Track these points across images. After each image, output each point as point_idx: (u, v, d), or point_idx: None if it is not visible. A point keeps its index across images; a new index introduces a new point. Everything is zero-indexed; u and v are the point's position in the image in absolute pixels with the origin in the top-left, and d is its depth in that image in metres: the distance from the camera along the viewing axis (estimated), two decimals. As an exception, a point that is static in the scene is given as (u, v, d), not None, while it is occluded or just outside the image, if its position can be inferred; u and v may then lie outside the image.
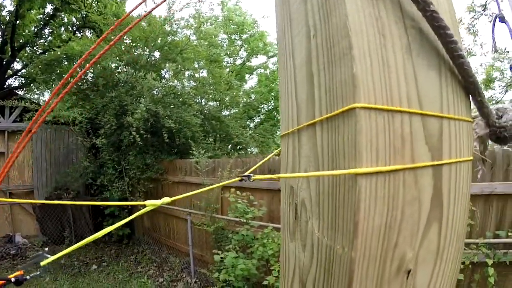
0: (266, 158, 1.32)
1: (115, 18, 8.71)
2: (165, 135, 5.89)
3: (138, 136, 5.65)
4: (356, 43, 0.44)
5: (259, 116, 12.20)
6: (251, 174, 0.61)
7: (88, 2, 12.44)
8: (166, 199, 0.59)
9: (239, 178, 0.62)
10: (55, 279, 5.69)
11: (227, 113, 8.42)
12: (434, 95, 0.49)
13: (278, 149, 0.70)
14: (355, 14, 0.45)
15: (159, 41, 7.38)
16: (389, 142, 0.44)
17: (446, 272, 0.50)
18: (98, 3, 12.19)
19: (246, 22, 11.81)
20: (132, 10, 0.60)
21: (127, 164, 6.27)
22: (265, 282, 3.28)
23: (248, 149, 7.74)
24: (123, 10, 11.79)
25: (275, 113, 11.73)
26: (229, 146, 7.05)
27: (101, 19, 8.70)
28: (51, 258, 0.49)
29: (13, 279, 0.42)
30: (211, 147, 5.93)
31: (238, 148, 7.75)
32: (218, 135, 6.62)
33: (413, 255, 0.47)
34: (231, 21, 11.70)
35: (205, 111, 7.03)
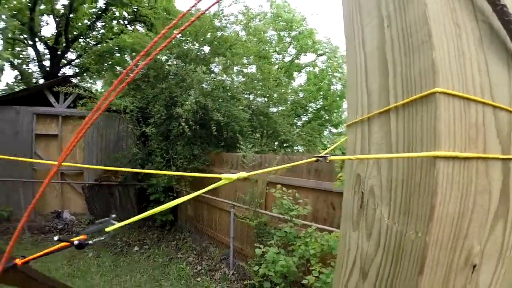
0: (342, 140, 1.30)
1: (165, 13, 8.98)
2: (213, 127, 5.97)
3: (187, 127, 5.76)
4: (435, 31, 0.46)
5: (306, 114, 12.06)
6: (328, 155, 0.60)
7: (140, -4, 12.94)
8: (243, 174, 0.59)
9: (314, 158, 0.61)
10: (97, 255, 5.99)
11: (275, 110, 8.42)
12: (504, 89, 0.49)
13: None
14: (433, 3, 0.47)
15: (208, 36, 7.49)
16: (465, 130, 0.46)
17: (506, 276, 0.50)
18: (149, -2, 12.63)
19: (295, 19, 11.65)
20: (193, 6, 0.63)
21: (174, 154, 6.39)
22: (304, 281, 3.23)
23: (295, 147, 7.72)
24: (172, 5, 12.10)
25: (323, 113, 11.57)
26: (275, 143, 7.07)
27: (151, 13, 8.98)
28: (117, 224, 0.52)
29: (76, 242, 0.46)
30: (258, 142, 5.97)
31: (284, 145, 7.74)
32: (265, 131, 6.65)
33: (480, 249, 0.47)
34: (280, 18, 11.58)
35: (253, 106, 7.07)
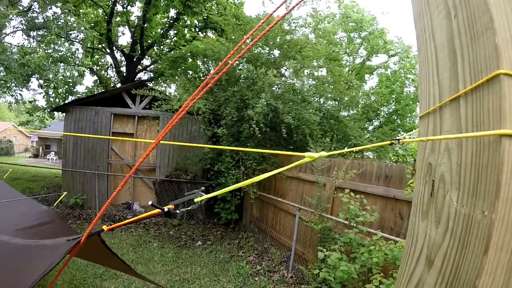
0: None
1: (234, 19, 9.32)
2: (284, 130, 6.01)
3: (257, 129, 5.86)
4: (496, 17, 0.48)
5: (378, 119, 11.69)
6: (400, 138, 0.65)
7: (208, 5, 13.61)
8: (323, 153, 0.64)
9: (389, 141, 0.67)
10: (162, 246, 6.31)
11: (346, 113, 8.25)
12: None
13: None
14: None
15: (278, 40, 7.59)
16: None
17: None
18: (218, 6, 13.22)
19: (365, 19, 11.29)
20: (272, 13, 0.64)
21: (244, 155, 6.54)
22: None
23: (365, 153, 7.47)
24: (241, 11, 12.53)
25: (395, 117, 11.05)
26: (345, 148, 6.92)
27: (222, 20, 9.34)
28: (205, 196, 0.52)
29: (166, 209, 0.47)
30: (328, 146, 5.89)
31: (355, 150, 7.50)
32: (335, 135, 6.55)
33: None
34: (349, 19, 11.31)
35: (324, 109, 7.01)
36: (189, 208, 0.56)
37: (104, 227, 0.63)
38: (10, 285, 1.68)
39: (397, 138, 0.62)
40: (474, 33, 0.53)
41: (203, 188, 0.58)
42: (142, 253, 5.87)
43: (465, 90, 0.54)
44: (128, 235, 6.68)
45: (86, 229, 0.60)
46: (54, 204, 7.53)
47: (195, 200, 0.55)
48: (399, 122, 11.03)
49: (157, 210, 0.56)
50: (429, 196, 0.63)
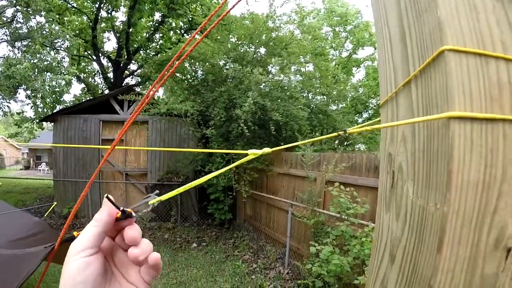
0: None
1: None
2: (272, 127, 6.01)
3: (246, 128, 5.85)
4: None
5: (367, 111, 11.66)
6: (346, 128, 0.61)
7: (193, 6, 13.54)
8: (267, 149, 0.60)
9: (336, 133, 0.64)
10: (157, 250, 6.31)
11: (334, 107, 8.25)
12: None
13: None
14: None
15: (263, 38, 7.56)
16: (484, 89, 0.42)
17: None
18: (202, 7, 13.17)
19: (349, 13, 11.30)
20: (232, 7, 0.62)
21: (235, 154, 6.49)
22: (355, 282, 3.16)
23: (356, 146, 7.49)
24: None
25: None
26: (335, 141, 6.92)
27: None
28: (158, 198, 0.49)
29: (121, 208, 0.44)
30: (318, 141, 5.86)
31: (345, 143, 7.55)
32: (324, 130, 6.54)
33: (515, 230, 0.42)
34: (333, 13, 11.31)
35: (312, 104, 7.00)
36: (145, 210, 0.53)
37: (75, 233, 0.59)
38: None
39: (344, 129, 0.59)
40: (418, 9, 0.49)
41: (157, 191, 0.54)
42: (137, 260, 5.82)
43: (414, 72, 0.50)
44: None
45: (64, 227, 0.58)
46: (45, 215, 7.44)
47: (149, 203, 0.52)
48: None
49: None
50: (391, 187, 0.60)
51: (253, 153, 0.58)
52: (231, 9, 0.68)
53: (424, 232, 0.47)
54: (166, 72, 0.56)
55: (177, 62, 0.59)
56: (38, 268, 1.91)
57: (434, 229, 0.44)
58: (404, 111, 0.55)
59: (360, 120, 11.04)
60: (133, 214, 0.55)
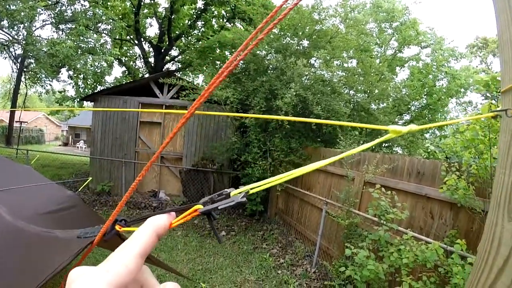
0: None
1: (263, 8, 9.17)
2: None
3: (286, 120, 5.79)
4: None
5: (409, 113, 11.20)
6: (509, 108, 0.50)
7: (236, -5, 13.53)
8: (413, 126, 0.48)
9: (492, 113, 0.55)
10: (186, 235, 6.35)
11: (376, 106, 7.97)
12: None
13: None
14: None
15: (307, 30, 7.43)
16: None
17: None
18: (245, -5, 13.10)
19: (396, 9, 10.78)
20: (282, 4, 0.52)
21: (272, 146, 6.44)
22: None
23: (394, 148, 7.21)
24: (269, 1, 12.37)
25: (426, 112, 10.57)
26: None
27: (250, 9, 9.24)
28: (245, 187, 0.41)
29: (202, 209, 0.38)
30: (357, 139, 5.69)
31: (384, 145, 7.29)
32: (365, 128, 6.33)
33: None
34: (380, 8, 10.84)
35: (354, 101, 6.81)
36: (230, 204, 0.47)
37: (117, 227, 0.57)
38: (22, 272, 1.66)
39: (504, 109, 0.49)
40: None
41: (232, 189, 0.50)
42: (166, 241, 5.93)
43: None
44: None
45: (111, 215, 0.54)
46: (79, 189, 7.76)
47: (231, 194, 0.47)
48: (430, 117, 10.53)
49: (194, 209, 0.48)
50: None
51: (394, 130, 0.47)
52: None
53: None
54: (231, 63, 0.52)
55: (243, 53, 0.53)
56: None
57: None
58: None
59: (400, 122, 10.59)
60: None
